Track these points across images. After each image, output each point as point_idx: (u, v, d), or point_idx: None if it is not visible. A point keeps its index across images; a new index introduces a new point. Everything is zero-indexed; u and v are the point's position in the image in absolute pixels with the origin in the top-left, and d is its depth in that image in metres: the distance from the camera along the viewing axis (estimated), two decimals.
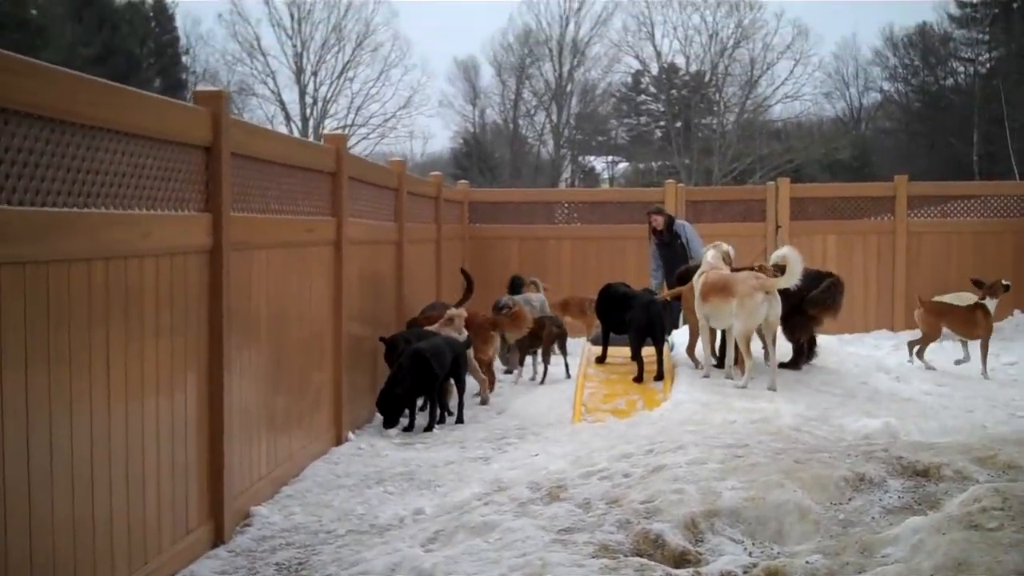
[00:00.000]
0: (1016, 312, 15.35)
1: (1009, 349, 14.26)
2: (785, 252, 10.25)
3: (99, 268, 4.73)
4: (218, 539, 6.03)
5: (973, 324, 12.74)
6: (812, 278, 11.01)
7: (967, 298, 14.27)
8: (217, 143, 6.04)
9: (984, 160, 47.20)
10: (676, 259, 13.10)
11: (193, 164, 5.84)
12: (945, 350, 14.52)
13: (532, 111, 56.69)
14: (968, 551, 4.42)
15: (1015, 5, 51.06)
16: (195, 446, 5.82)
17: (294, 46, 51.20)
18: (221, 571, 5.60)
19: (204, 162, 5.98)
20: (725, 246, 10.91)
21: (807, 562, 4.78)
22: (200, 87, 6.56)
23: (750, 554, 5.10)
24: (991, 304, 12.93)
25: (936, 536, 4.68)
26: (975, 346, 12.76)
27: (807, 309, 10.93)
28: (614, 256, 16.06)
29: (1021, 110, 44.16)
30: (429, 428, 9.38)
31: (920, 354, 12.97)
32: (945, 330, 13.17)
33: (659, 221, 13.54)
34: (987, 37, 52.21)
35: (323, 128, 49.27)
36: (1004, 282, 13.35)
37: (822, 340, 13.01)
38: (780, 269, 10.24)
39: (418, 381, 9.31)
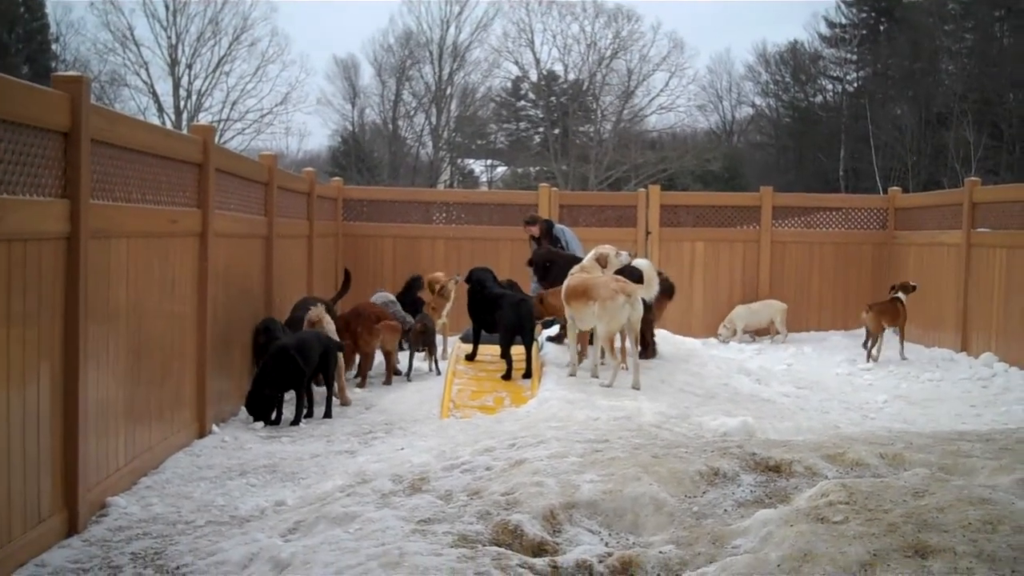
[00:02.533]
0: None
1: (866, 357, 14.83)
2: (642, 265, 10.73)
3: None
4: (72, 529, 5.90)
5: (898, 315, 14.66)
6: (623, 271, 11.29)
7: (774, 304, 16.90)
8: (76, 129, 5.92)
9: (850, 175, 48.76)
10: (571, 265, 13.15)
11: (50, 149, 5.71)
12: (805, 354, 15.05)
13: (412, 112, 56.59)
14: (814, 542, 4.56)
15: (882, 28, 53.00)
16: (48, 436, 5.68)
17: (168, 37, 50.10)
18: (74, 560, 5.48)
19: (63, 148, 5.85)
20: (605, 249, 11.02)
21: (660, 552, 4.89)
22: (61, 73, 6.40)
23: (606, 544, 5.19)
24: (904, 298, 14.87)
25: (784, 528, 4.83)
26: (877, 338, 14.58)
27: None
28: (488, 257, 16.11)
29: (885, 129, 45.76)
30: (295, 422, 9.33)
31: (875, 351, 14.59)
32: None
33: (534, 230, 13.56)
34: (855, 57, 54.03)
35: (197, 121, 48.35)
36: (912, 284, 15.12)
37: (689, 343, 13.33)
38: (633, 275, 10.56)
39: (284, 377, 9.26)
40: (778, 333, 16.81)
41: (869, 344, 14.74)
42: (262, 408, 9.27)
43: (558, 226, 14.01)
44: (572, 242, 13.62)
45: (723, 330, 16.81)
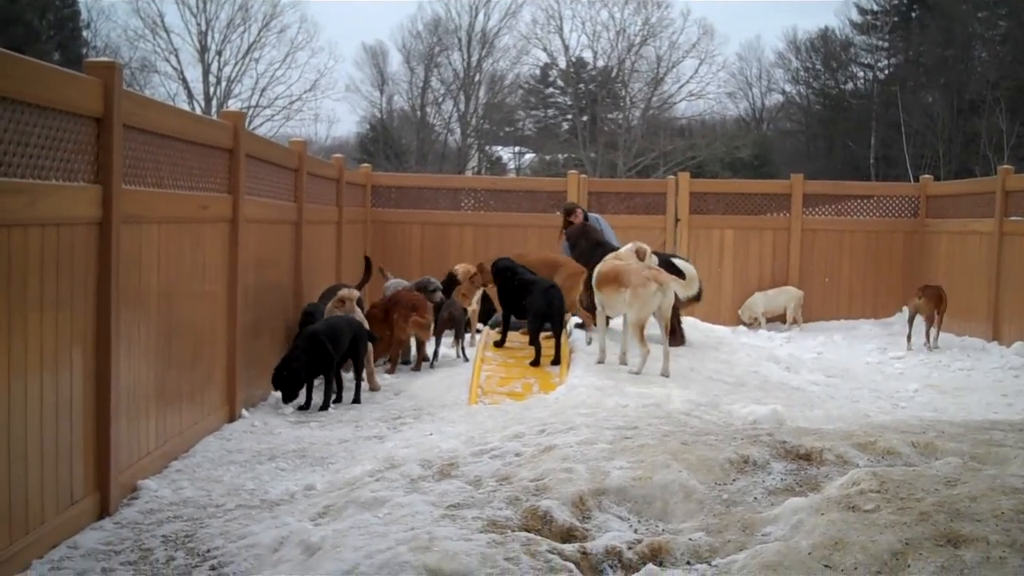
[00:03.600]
0: (905, 308, 15.76)
1: (897, 343, 14.72)
2: (684, 266, 11.00)
3: None
4: (104, 511, 5.95)
5: (942, 301, 14.52)
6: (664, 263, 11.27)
7: (790, 291, 16.86)
8: (109, 114, 5.94)
9: (881, 163, 48.42)
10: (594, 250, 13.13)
11: (83, 135, 5.74)
12: (835, 344, 14.97)
13: (440, 99, 56.58)
14: (845, 531, 4.55)
15: (914, 14, 52.49)
16: (81, 419, 5.73)
17: (198, 24, 50.29)
18: (106, 542, 5.53)
19: (95, 133, 5.89)
20: (645, 245, 11.11)
21: (690, 539, 4.89)
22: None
23: (635, 531, 5.19)
24: None
25: (815, 516, 4.82)
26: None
27: None
28: (515, 243, 16.10)
29: (917, 116, 45.38)
30: (324, 407, 9.36)
31: (932, 334, 14.49)
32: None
33: (580, 216, 13.52)
34: (886, 44, 53.58)
35: (226, 108, 48.50)
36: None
37: (719, 331, 13.29)
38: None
39: (313, 362, 9.29)
40: (794, 321, 16.74)
41: (925, 327, 14.50)
42: (287, 383, 9.30)
43: (593, 215, 13.99)
44: (607, 230, 13.62)
45: (744, 316, 16.75)
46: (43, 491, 5.28)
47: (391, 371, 11.37)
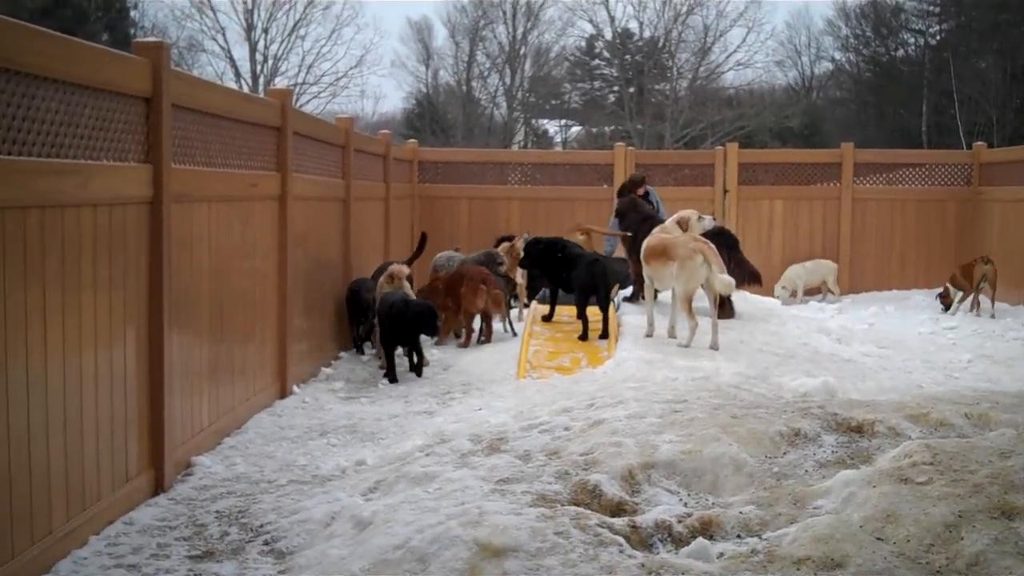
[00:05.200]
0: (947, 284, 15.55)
1: (950, 315, 14.57)
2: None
3: (34, 217, 4.69)
4: (159, 487, 6.04)
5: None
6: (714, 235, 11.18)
7: (826, 264, 16.79)
8: (157, 94, 5.99)
9: (933, 131, 47.68)
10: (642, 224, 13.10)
11: (133, 115, 5.79)
12: (885, 314, 14.84)
13: (486, 73, 56.40)
14: (897, 503, 4.52)
15: None
16: (135, 397, 5.81)
17: (244, 2, 50.44)
18: (161, 518, 5.61)
19: (144, 113, 5.94)
20: (687, 213, 10.99)
21: (740, 512, 4.88)
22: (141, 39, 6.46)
23: (685, 504, 5.18)
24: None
25: (867, 489, 4.78)
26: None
27: None
28: (563, 217, 16.09)
29: (969, 83, 44.62)
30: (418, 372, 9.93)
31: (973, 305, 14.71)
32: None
33: (644, 190, 13.53)
34: (938, 9, 52.60)
35: (273, 85, 48.69)
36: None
37: (768, 303, 13.20)
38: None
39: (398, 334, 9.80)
40: (830, 292, 16.59)
41: (988, 295, 14.59)
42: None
43: (650, 187, 13.95)
44: (661, 204, 13.59)
45: (780, 291, 16.51)
46: (99, 468, 5.36)
47: (465, 344, 11.45)
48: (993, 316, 14.25)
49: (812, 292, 16.82)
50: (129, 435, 5.74)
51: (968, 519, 4.30)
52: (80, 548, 5.04)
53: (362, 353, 11.08)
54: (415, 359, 10.03)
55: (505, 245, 12.89)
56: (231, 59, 50.80)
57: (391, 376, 9.74)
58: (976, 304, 14.55)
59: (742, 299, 12.66)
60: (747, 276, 12.08)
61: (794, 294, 16.53)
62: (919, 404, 6.62)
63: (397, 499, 5.27)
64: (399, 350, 10.08)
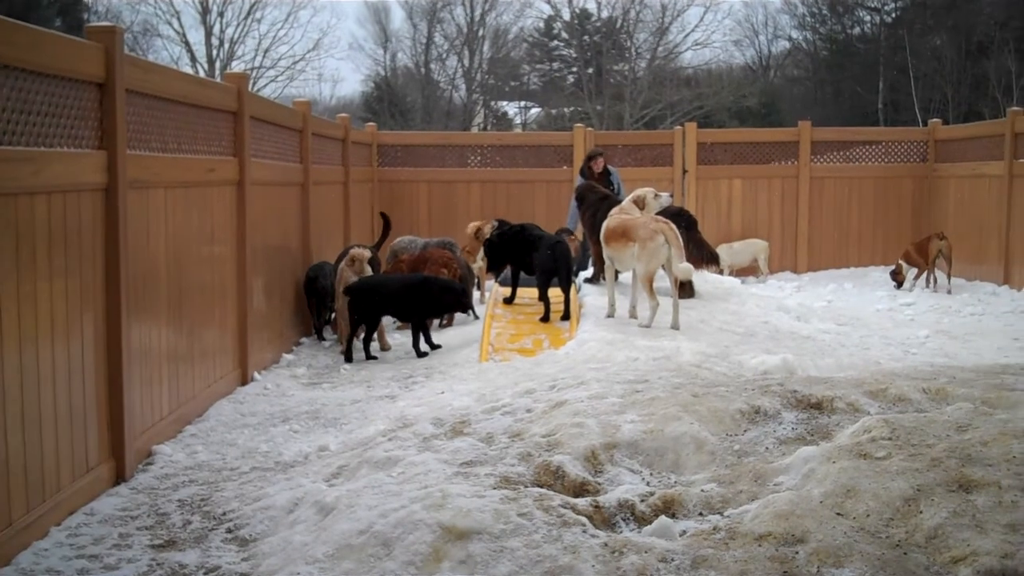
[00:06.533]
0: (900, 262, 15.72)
1: (907, 291, 14.74)
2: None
3: None
4: (119, 477, 6.01)
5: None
6: (674, 215, 11.21)
7: (756, 243, 16.91)
8: (111, 79, 5.93)
9: (889, 108, 48.00)
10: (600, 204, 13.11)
11: (86, 101, 5.73)
12: (845, 291, 14.97)
13: (444, 55, 56.15)
14: (857, 478, 4.56)
15: None
16: (94, 386, 5.77)
17: None
18: (122, 508, 5.58)
19: (98, 99, 5.88)
20: (642, 191, 10.98)
21: (702, 490, 4.91)
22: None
23: (648, 484, 5.21)
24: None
25: (827, 465, 4.82)
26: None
27: None
28: (524, 200, 16.10)
29: (924, 60, 44.95)
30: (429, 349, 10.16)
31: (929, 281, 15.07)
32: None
33: (600, 164, 13.57)
34: None
35: (230, 70, 48.19)
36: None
37: (728, 282, 13.27)
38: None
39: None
40: (761, 272, 16.70)
41: (944, 271, 14.87)
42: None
43: (611, 168, 13.96)
44: (622, 186, 13.60)
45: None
46: (59, 458, 5.32)
47: (448, 324, 11.66)
48: (949, 292, 14.43)
49: (745, 272, 16.86)
50: (89, 425, 5.69)
51: (927, 493, 4.35)
52: (41, 539, 5.00)
53: (323, 339, 11.05)
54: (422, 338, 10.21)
55: (473, 226, 12.91)
56: (186, 43, 50.19)
57: (420, 351, 10.09)
58: (932, 280, 14.73)
59: (702, 279, 12.71)
60: (706, 257, 12.12)
61: (721, 273, 16.50)
62: (877, 380, 6.68)
63: (360, 484, 5.26)
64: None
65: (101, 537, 5.11)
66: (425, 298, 10.16)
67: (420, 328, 10.11)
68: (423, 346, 10.08)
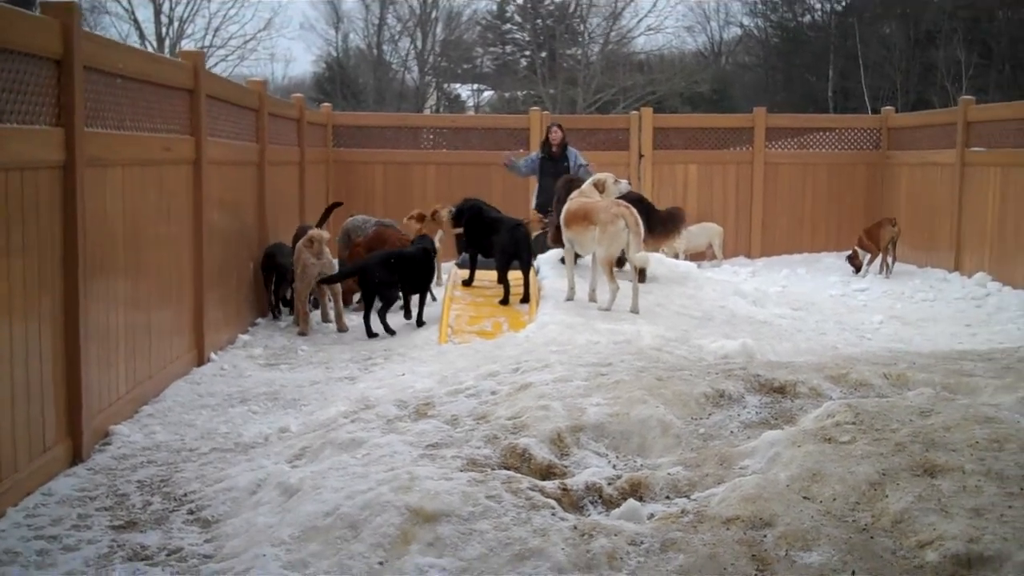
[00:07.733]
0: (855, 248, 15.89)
1: (860, 277, 14.90)
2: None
3: None
4: (77, 458, 5.92)
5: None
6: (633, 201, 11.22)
7: (709, 227, 16.91)
8: (69, 55, 5.83)
9: (839, 96, 48.38)
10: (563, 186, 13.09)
11: (43, 77, 5.62)
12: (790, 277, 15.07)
13: (396, 37, 55.79)
14: (822, 463, 4.59)
15: None
16: (50, 366, 5.67)
17: None
18: (80, 488, 5.49)
19: (56, 75, 5.77)
20: (603, 176, 11.00)
21: (669, 473, 4.92)
22: None
23: (614, 467, 5.21)
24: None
25: (792, 449, 4.85)
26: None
27: None
28: (480, 182, 16.02)
29: (874, 48, 45.35)
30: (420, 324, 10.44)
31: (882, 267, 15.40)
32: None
33: (558, 135, 13.56)
34: None
35: (180, 48, 47.54)
36: None
37: (684, 266, 13.32)
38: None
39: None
40: (715, 257, 16.81)
41: (888, 257, 15.17)
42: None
43: (571, 148, 13.93)
44: (583, 168, 13.51)
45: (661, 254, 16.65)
46: (15, 439, 5.22)
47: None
48: (887, 276, 14.79)
49: (700, 256, 16.92)
50: (45, 404, 5.59)
51: (892, 477, 4.39)
52: None
53: (277, 318, 10.96)
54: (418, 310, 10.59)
55: (417, 211, 12.83)
56: (135, 21, 49.37)
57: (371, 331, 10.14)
58: (885, 265, 14.92)
59: (658, 262, 12.74)
60: (668, 228, 12.14)
61: (676, 256, 16.58)
62: (838, 365, 6.74)
63: (325, 466, 5.22)
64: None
65: (60, 518, 5.03)
66: (429, 271, 10.62)
67: (423, 303, 10.70)
68: (375, 326, 10.05)
